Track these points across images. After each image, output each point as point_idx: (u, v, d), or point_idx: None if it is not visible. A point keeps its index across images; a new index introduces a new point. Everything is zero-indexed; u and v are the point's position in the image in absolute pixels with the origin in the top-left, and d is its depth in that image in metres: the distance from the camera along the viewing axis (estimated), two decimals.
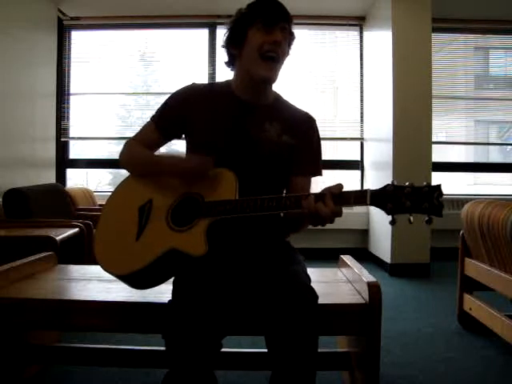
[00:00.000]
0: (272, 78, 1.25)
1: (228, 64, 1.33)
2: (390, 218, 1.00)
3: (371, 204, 0.99)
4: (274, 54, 1.20)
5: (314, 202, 1.03)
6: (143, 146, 1.33)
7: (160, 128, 1.33)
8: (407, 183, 0.98)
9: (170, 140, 1.38)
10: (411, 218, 0.98)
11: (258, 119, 1.28)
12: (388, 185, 0.99)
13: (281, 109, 1.33)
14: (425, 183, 0.97)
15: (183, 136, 1.36)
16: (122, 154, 1.34)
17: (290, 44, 1.29)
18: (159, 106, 1.36)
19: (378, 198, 0.99)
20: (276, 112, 1.31)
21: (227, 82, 1.34)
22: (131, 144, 1.35)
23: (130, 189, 1.31)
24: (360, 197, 1.00)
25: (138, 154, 1.32)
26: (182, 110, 1.30)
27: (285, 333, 1.02)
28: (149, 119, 1.36)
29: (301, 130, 1.31)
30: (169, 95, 1.35)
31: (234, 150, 1.24)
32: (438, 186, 0.96)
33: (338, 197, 1.02)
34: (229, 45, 1.28)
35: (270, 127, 1.28)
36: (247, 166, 1.21)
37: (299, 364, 1.02)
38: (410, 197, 0.96)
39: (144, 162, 1.30)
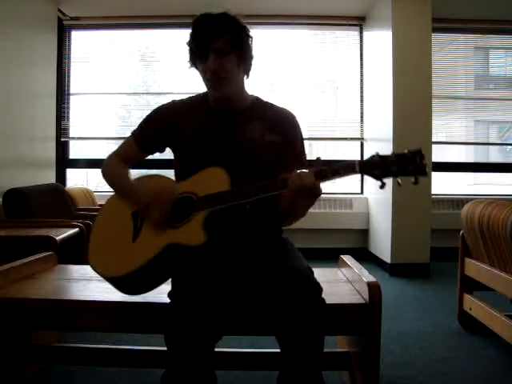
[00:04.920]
0: (227, 93, 1.27)
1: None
2: (379, 183, 1.06)
3: (360, 172, 1.06)
4: (215, 77, 1.23)
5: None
6: (124, 160, 1.38)
7: (140, 144, 1.37)
8: (390, 153, 1.06)
9: (150, 154, 1.42)
10: (399, 180, 1.05)
11: (237, 123, 1.30)
12: (373, 155, 1.07)
13: (260, 109, 1.35)
14: (406, 150, 1.04)
15: (166, 150, 1.40)
16: (104, 170, 1.38)
17: (240, 48, 1.25)
18: (140, 121, 1.39)
19: (366, 166, 1.06)
20: (255, 112, 1.33)
21: (206, 93, 1.37)
22: (111, 162, 1.38)
23: (121, 198, 1.33)
24: (349, 167, 1.07)
25: (114, 175, 1.36)
26: (162, 127, 1.34)
27: (294, 329, 1.04)
28: (130, 134, 1.40)
29: (283, 127, 1.32)
30: (148, 112, 1.39)
31: (220, 157, 1.25)
32: (419, 150, 1.03)
33: (324, 170, 1.07)
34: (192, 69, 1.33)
35: (251, 128, 1.29)
36: (236, 170, 1.22)
37: (308, 356, 1.05)
38: (395, 162, 1.04)
39: (117, 188, 1.36)
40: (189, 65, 1.32)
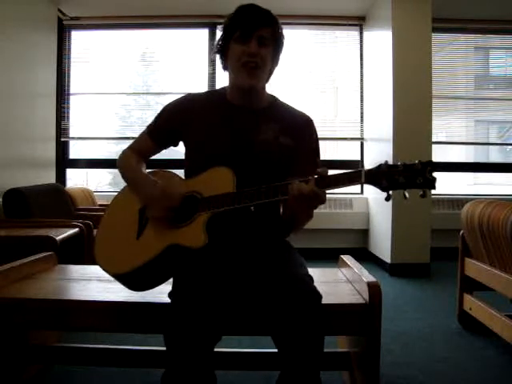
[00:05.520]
0: (256, 85, 1.27)
1: (223, 69, 1.36)
2: (385, 195, 1.03)
3: (366, 182, 1.03)
4: (253, 64, 1.23)
5: (298, 184, 1.07)
6: (139, 154, 1.38)
7: (154, 138, 1.37)
8: (399, 162, 1.01)
9: (164, 148, 1.41)
10: (406, 194, 1.01)
11: (253, 122, 1.29)
12: (381, 164, 1.03)
13: (277, 111, 1.34)
14: (416, 161, 1.00)
15: (180, 143, 1.40)
16: (119, 164, 1.39)
17: (276, 45, 1.29)
18: (155, 115, 1.39)
19: (373, 176, 1.02)
20: (272, 114, 1.32)
21: (223, 89, 1.37)
22: (126, 155, 1.39)
23: (130, 193, 1.33)
24: (355, 176, 1.04)
25: (127, 168, 1.36)
26: (177, 121, 1.33)
27: (292, 335, 1.03)
28: (145, 128, 1.40)
29: (299, 132, 1.32)
30: (164, 105, 1.38)
31: (233, 155, 1.25)
32: (430, 162, 0.99)
33: (327, 178, 1.05)
34: (218, 55, 1.33)
35: (266, 129, 1.29)
36: (246, 169, 1.21)
37: (306, 364, 1.04)
38: (403, 173, 1.00)
39: (129, 181, 1.35)
40: (215, 49, 1.32)
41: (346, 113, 4.57)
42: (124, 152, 1.41)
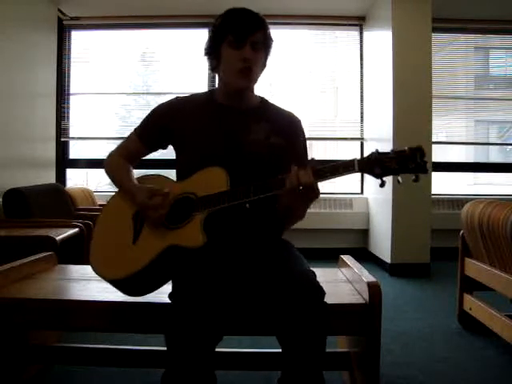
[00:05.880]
0: (249, 86, 1.30)
1: (212, 71, 1.37)
2: (379, 181, 1.06)
3: (359, 170, 1.05)
4: (247, 68, 1.24)
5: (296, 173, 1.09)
6: (127, 157, 1.37)
7: (144, 139, 1.37)
8: (389, 150, 1.05)
9: (154, 150, 1.41)
10: (399, 179, 1.04)
11: (244, 122, 1.30)
12: (372, 152, 1.05)
13: (267, 111, 1.36)
14: (406, 147, 1.03)
15: (169, 146, 1.39)
16: (106, 169, 1.38)
17: (266, 48, 1.31)
18: (143, 118, 1.39)
19: (365, 164, 1.05)
20: (262, 114, 1.33)
21: (211, 91, 1.39)
22: (113, 157, 1.39)
23: (122, 198, 1.32)
24: (348, 165, 1.06)
25: (115, 172, 1.36)
26: (166, 123, 1.33)
27: (296, 330, 1.04)
28: (132, 130, 1.40)
29: (289, 131, 1.33)
30: (152, 108, 1.39)
31: (224, 155, 1.25)
32: (419, 147, 1.02)
33: (322, 168, 1.08)
34: (207, 57, 1.34)
35: (257, 129, 1.30)
36: (238, 170, 1.22)
37: (310, 359, 1.05)
38: (394, 160, 1.03)
39: (118, 185, 1.35)
40: (205, 51, 1.33)
41: (345, 113, 4.57)
42: (111, 154, 1.39)
